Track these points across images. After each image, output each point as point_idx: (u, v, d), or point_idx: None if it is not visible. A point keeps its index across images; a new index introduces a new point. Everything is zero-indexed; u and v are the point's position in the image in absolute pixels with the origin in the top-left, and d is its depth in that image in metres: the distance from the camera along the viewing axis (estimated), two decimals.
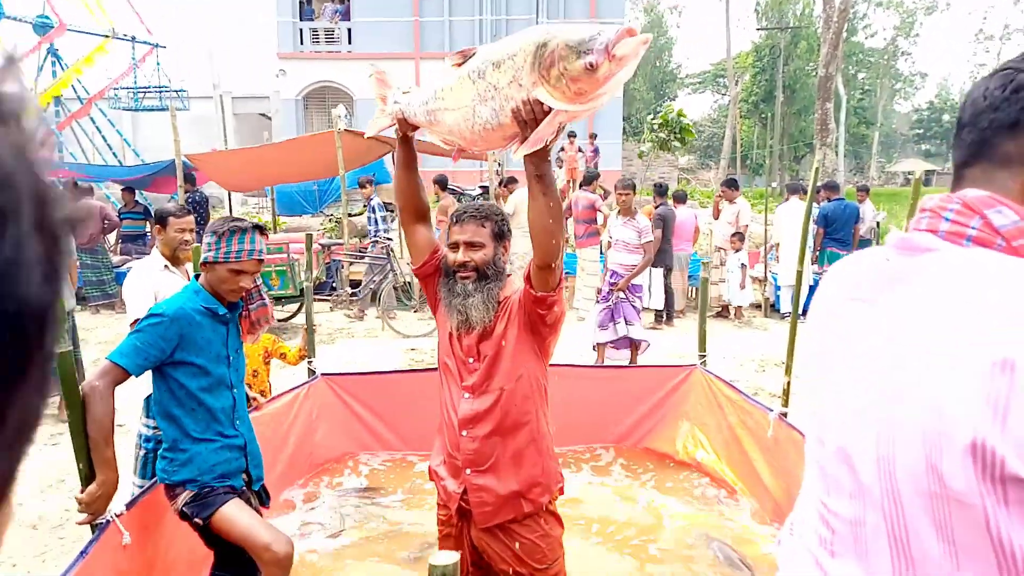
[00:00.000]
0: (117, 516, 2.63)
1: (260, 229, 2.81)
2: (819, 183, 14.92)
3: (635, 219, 6.94)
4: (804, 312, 9.98)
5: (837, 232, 10.33)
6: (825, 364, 1.12)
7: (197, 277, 2.84)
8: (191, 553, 2.78)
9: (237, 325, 2.90)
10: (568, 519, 2.88)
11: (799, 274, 4.00)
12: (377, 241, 10.14)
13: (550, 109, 1.75)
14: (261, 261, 2.80)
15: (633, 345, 6.95)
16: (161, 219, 4.15)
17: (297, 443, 4.35)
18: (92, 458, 2.53)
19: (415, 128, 2.28)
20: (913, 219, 1.04)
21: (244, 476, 2.85)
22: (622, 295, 6.85)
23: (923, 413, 0.87)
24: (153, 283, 3.91)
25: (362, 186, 11.09)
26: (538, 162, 2.01)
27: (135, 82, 21.06)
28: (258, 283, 3.07)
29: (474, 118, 1.91)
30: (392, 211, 15.48)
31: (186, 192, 11.06)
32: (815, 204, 11.79)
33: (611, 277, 7.02)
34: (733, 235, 10.27)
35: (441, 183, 10.57)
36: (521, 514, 2.38)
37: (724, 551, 3.67)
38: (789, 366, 3.96)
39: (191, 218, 4.14)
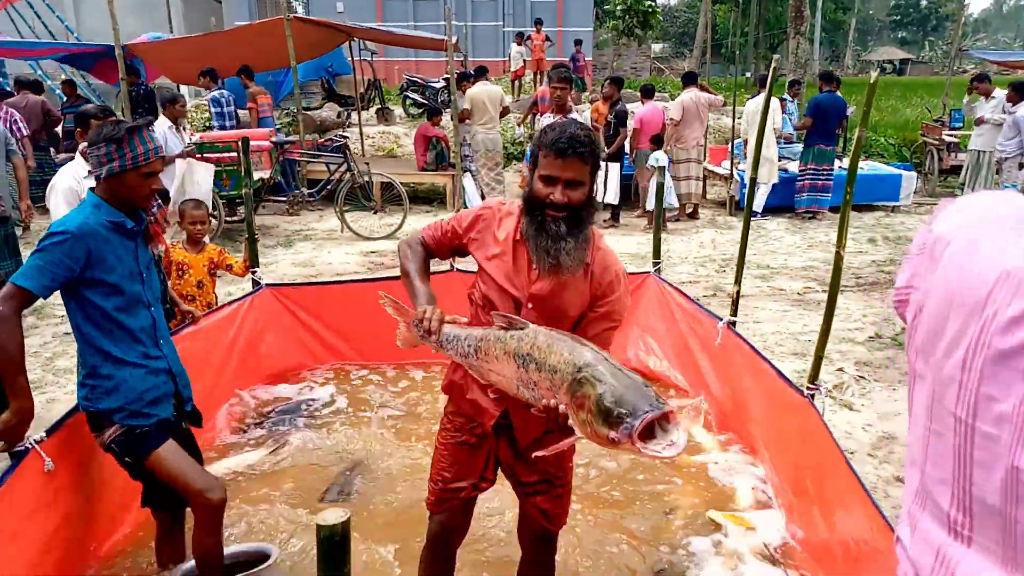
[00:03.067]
0: (37, 443, 2.54)
1: (149, 124, 2.62)
2: (794, 77, 14.57)
3: (569, 116, 6.34)
4: (756, 214, 9.99)
5: (825, 125, 9.97)
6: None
7: (93, 191, 2.63)
8: (124, 480, 2.72)
9: (144, 239, 2.73)
10: None
11: (752, 181, 3.88)
12: (331, 138, 9.78)
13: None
14: (163, 158, 2.63)
15: None
16: (83, 121, 3.90)
17: (241, 356, 4.27)
18: (3, 386, 2.41)
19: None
20: None
21: (174, 399, 2.75)
22: None
23: None
24: (80, 189, 3.70)
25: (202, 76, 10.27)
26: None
27: None
28: (162, 186, 2.88)
29: (515, 390, 2.00)
30: (351, 104, 14.90)
31: (129, 84, 10.47)
32: (791, 99, 11.53)
33: None
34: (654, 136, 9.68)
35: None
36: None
37: None
38: (738, 275, 3.90)
39: (114, 119, 3.88)
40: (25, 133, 9.00)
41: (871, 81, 2.60)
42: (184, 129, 7.82)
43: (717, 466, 3.69)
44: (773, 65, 3.72)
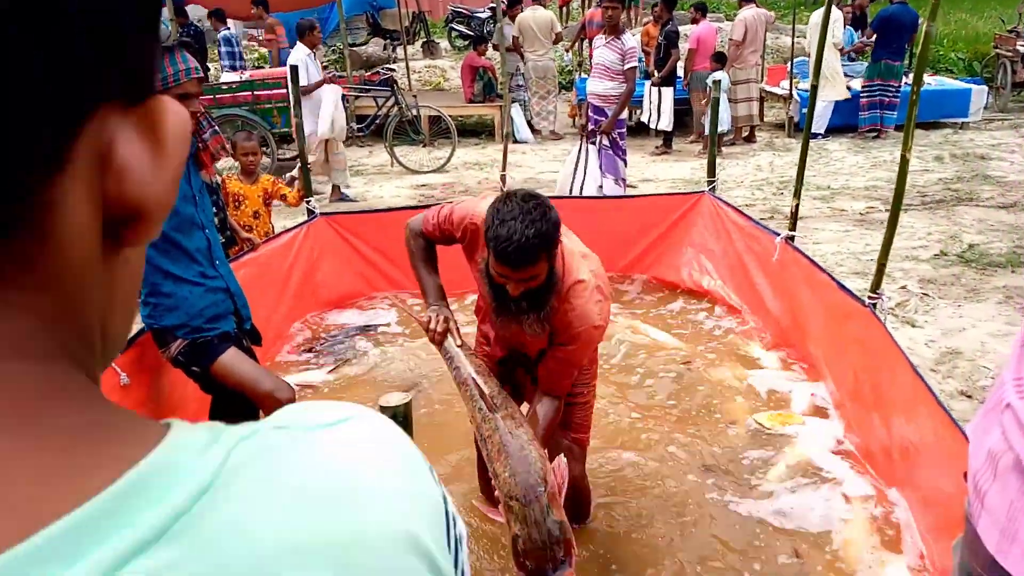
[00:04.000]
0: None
1: (186, 45, 2.62)
2: None
3: (620, 39, 6.07)
4: (818, 135, 9.60)
5: (893, 41, 9.42)
6: None
7: None
8: (196, 391, 2.84)
9: (193, 162, 2.78)
10: None
11: (813, 88, 3.73)
12: (377, 72, 9.71)
13: None
14: (201, 79, 2.64)
15: None
16: None
17: (299, 283, 4.36)
18: None
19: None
20: None
21: (234, 318, 2.84)
22: (606, 141, 6.12)
23: None
24: None
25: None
26: None
27: None
28: (203, 109, 2.91)
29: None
30: (397, 39, 14.74)
31: (180, 26, 10.53)
32: (855, 10, 10.93)
33: (592, 112, 6.25)
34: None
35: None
36: None
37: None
38: (797, 189, 3.79)
39: None
40: None
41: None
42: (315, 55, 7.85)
43: (773, 380, 3.67)
44: None
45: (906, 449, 2.68)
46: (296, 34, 7.29)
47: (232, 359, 2.72)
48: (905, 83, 9.73)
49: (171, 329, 2.66)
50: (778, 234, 3.86)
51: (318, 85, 7.12)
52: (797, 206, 3.80)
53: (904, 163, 2.77)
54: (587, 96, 6.41)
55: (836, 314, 3.29)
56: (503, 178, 4.77)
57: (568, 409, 2.53)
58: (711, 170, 4.59)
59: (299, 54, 6.98)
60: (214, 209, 3.68)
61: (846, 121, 9.83)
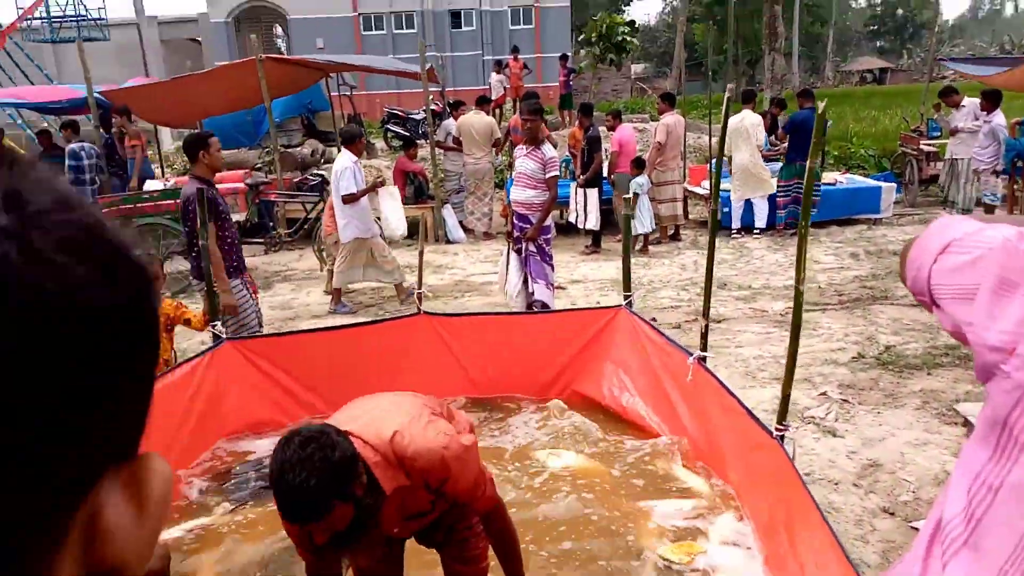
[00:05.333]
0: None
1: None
2: (772, 94, 14.65)
3: (540, 149, 6.19)
4: (739, 230, 9.92)
5: (804, 143, 9.91)
6: None
7: None
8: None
9: None
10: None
11: (715, 191, 3.81)
12: (307, 177, 9.72)
13: None
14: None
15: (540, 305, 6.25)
16: None
17: (201, 414, 4.14)
18: None
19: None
20: None
21: None
22: (532, 247, 6.18)
23: None
24: None
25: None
26: None
27: (47, 12, 19.64)
28: None
29: None
30: (332, 140, 14.89)
31: (106, 131, 10.44)
32: (775, 115, 11.50)
33: (516, 219, 6.34)
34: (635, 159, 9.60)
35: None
36: None
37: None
38: (706, 309, 3.81)
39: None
40: None
41: (819, 111, 2.53)
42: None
43: (687, 506, 3.58)
44: (727, 95, 3.66)
45: None
46: (342, 141, 7.24)
47: None
48: (820, 182, 10.19)
49: None
50: (691, 354, 3.84)
51: (370, 189, 7.19)
52: (707, 326, 3.80)
53: (798, 296, 2.79)
54: (511, 203, 6.48)
55: (748, 442, 3.25)
56: (419, 296, 4.69)
57: (460, 543, 2.43)
58: (626, 283, 4.61)
59: (345, 161, 6.97)
60: None
61: (765, 220, 10.18)
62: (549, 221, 6.35)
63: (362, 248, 7.21)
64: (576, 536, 3.43)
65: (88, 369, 0.35)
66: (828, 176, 11.00)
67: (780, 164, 10.32)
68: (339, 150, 13.60)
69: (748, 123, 9.79)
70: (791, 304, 7.15)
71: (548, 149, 6.29)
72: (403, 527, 2.23)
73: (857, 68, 42.84)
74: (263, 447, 4.36)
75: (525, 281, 6.29)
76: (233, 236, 4.93)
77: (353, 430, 1.97)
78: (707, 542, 3.25)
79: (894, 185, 11.04)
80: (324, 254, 8.79)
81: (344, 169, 6.90)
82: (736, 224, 10.16)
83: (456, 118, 11.96)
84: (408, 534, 2.39)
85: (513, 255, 6.43)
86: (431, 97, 11.65)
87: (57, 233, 0.35)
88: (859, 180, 11.25)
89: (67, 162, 9.36)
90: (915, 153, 11.81)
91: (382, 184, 7.85)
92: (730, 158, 10.05)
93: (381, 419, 2.04)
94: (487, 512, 2.28)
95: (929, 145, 11.81)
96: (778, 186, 10.09)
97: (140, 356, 0.39)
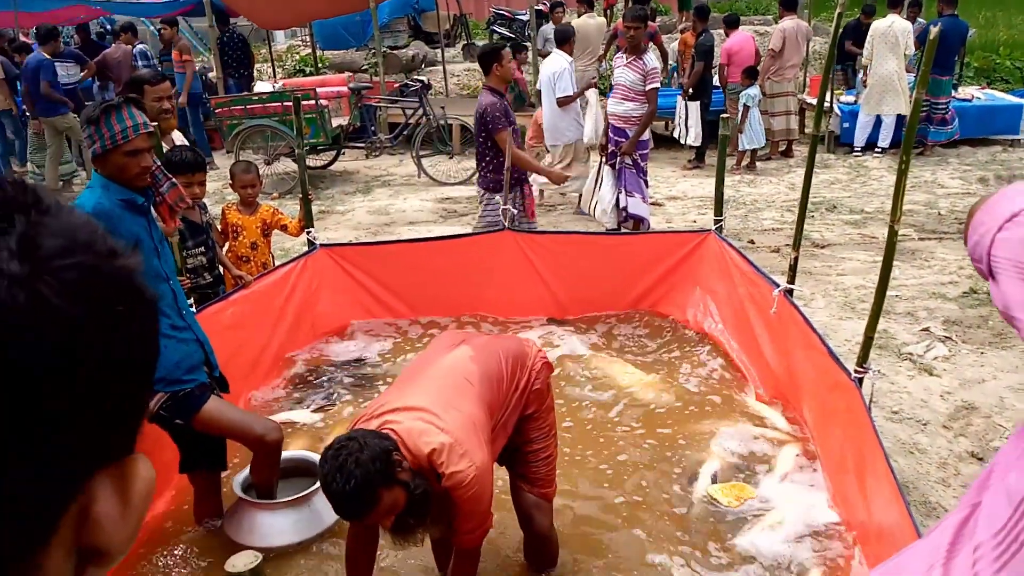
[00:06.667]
0: None
1: (134, 102, 2.63)
2: None
3: (641, 59, 5.92)
4: (860, 148, 9.25)
5: (941, 56, 9.02)
6: None
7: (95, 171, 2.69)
8: (166, 451, 2.86)
9: (155, 213, 2.80)
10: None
11: (820, 103, 3.58)
12: (408, 84, 9.71)
13: None
14: (151, 134, 2.65)
15: (634, 221, 6.17)
16: (136, 87, 3.96)
17: (295, 315, 4.38)
18: None
19: None
20: None
21: (205, 367, 2.86)
22: (627, 159, 6.01)
23: None
24: None
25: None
26: None
27: None
28: (158, 162, 2.92)
29: None
30: (438, 41, 14.74)
31: (220, 32, 10.70)
32: (911, 19, 10.47)
33: (612, 132, 6.14)
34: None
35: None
36: None
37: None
38: (797, 239, 3.64)
39: (167, 84, 3.95)
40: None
41: (931, 37, 2.30)
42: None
43: (754, 437, 3.54)
44: None
45: (881, 532, 2.54)
46: (556, 43, 7.06)
47: (217, 407, 2.76)
48: (954, 97, 9.33)
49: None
50: (777, 285, 3.71)
51: (580, 93, 7.01)
52: (796, 258, 3.64)
53: (892, 235, 2.63)
54: (607, 116, 6.29)
55: (826, 381, 3.15)
56: (505, 212, 4.70)
57: (531, 464, 2.53)
58: (718, 207, 4.45)
59: (561, 62, 6.72)
60: (202, 248, 3.72)
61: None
62: (646, 135, 6.14)
63: (570, 153, 7.04)
64: (634, 449, 3.49)
65: (82, 392, 0.40)
66: (965, 91, 10.01)
67: (912, 77, 9.46)
68: (441, 51, 13.59)
69: (898, 29, 8.91)
70: (905, 231, 6.77)
71: (650, 59, 6.01)
72: None
73: None
74: (348, 351, 4.59)
75: (617, 200, 6.17)
76: (517, 144, 5.08)
77: (398, 430, 2.13)
78: (771, 474, 3.23)
79: None
80: (421, 160, 8.86)
81: (562, 71, 6.61)
82: (860, 142, 9.48)
83: (555, 21, 11.52)
84: None
85: (607, 170, 6.29)
86: None
87: (61, 277, 0.40)
88: (999, 97, 10.20)
89: (137, 63, 9.83)
90: None
91: (593, 86, 7.71)
92: (865, 68, 9.24)
93: (424, 430, 2.13)
94: (465, 550, 2.30)
95: None
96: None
97: (133, 377, 0.44)
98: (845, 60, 10.43)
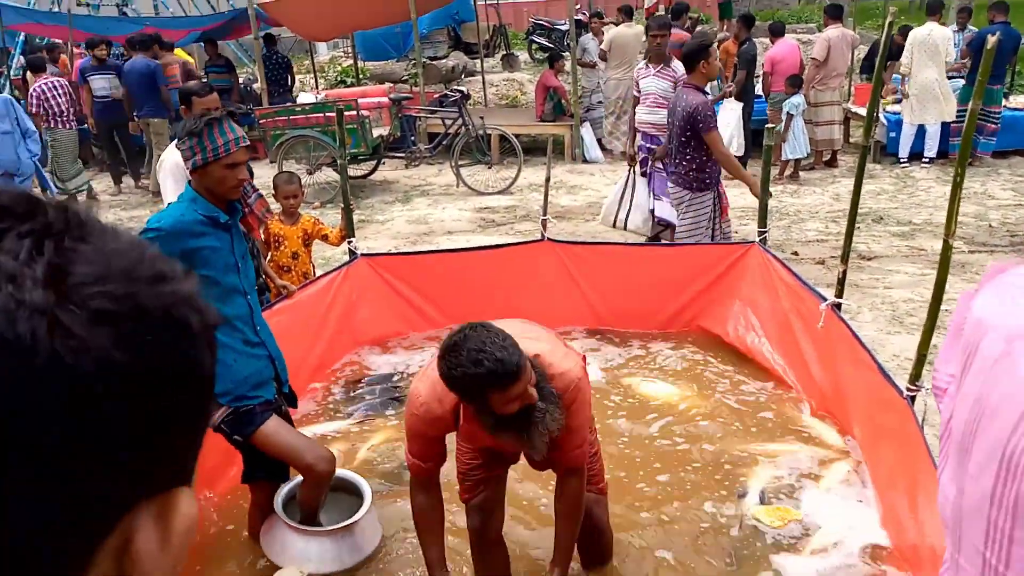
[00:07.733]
0: None
1: (232, 115, 2.66)
2: (961, 3, 12.94)
3: (670, 67, 5.89)
4: (906, 158, 9.02)
5: (994, 64, 8.77)
6: None
7: (189, 183, 2.73)
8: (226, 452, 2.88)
9: (239, 229, 2.81)
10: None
11: (869, 116, 3.50)
12: (447, 94, 9.76)
13: None
14: (249, 147, 2.68)
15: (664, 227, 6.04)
16: (185, 98, 4.04)
17: (336, 325, 4.40)
18: None
19: None
20: None
21: (274, 383, 2.86)
22: (659, 164, 5.91)
23: None
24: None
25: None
26: None
27: None
28: (249, 176, 2.95)
29: None
30: (477, 52, 14.81)
31: (265, 50, 10.90)
32: (956, 29, 10.24)
33: (643, 140, 6.09)
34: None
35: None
36: None
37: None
38: (846, 252, 3.55)
39: (215, 95, 4.02)
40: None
41: (987, 47, 2.22)
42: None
43: (812, 454, 3.45)
44: None
45: (935, 557, 2.44)
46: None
47: (274, 429, 2.75)
48: (1006, 107, 9.07)
49: (215, 396, 2.69)
50: (824, 299, 3.62)
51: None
52: (844, 272, 3.55)
53: (946, 249, 2.54)
54: (638, 125, 6.25)
55: (876, 398, 3.06)
56: (543, 223, 4.67)
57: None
58: (762, 219, 4.37)
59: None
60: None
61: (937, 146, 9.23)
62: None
63: None
64: (675, 469, 3.42)
65: (106, 426, 0.39)
66: (1016, 100, 9.73)
67: (960, 84, 9.22)
68: (480, 61, 13.64)
69: (937, 36, 8.72)
70: (954, 245, 6.59)
71: (678, 66, 5.95)
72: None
73: None
74: (387, 363, 4.60)
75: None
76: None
77: None
78: (819, 492, 3.15)
79: None
80: (459, 170, 8.89)
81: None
82: (904, 152, 9.27)
83: (595, 32, 11.48)
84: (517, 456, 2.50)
85: (640, 180, 6.24)
86: (576, 6, 11.25)
87: (90, 306, 0.38)
88: None
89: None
90: None
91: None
92: (903, 77, 9.06)
93: (521, 341, 2.10)
94: (571, 469, 2.28)
95: None
96: (956, 111, 9.05)
97: (172, 410, 0.42)
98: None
